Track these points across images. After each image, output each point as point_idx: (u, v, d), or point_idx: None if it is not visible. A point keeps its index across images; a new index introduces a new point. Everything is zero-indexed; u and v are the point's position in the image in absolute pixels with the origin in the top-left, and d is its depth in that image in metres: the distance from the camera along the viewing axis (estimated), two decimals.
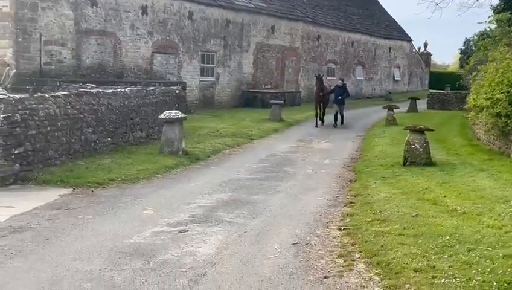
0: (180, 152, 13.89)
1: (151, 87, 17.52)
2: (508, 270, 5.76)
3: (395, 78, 53.51)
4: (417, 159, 13.19)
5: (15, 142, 10.32)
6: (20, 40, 21.17)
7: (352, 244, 7.16)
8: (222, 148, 16.30)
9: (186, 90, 27.87)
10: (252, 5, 33.55)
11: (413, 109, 31.78)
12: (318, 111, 24.11)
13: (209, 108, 29.40)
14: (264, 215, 8.79)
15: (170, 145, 13.86)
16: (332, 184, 11.71)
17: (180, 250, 6.82)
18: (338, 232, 7.83)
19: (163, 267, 6.18)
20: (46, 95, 11.64)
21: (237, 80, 32.83)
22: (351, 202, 9.77)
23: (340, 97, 24.00)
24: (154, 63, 26.99)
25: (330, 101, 25.05)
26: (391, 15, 56.80)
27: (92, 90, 13.57)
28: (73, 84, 17.73)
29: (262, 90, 33.71)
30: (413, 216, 8.21)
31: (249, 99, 32.66)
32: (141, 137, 15.66)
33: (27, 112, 10.69)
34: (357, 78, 47.24)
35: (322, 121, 24.43)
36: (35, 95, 11.28)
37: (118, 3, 24.83)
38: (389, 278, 5.81)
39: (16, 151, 10.33)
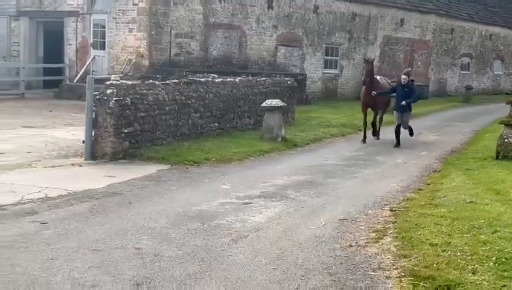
0: (280, 138, 14.90)
1: (263, 78, 18.65)
2: None
3: None
4: (510, 153, 13.18)
5: (125, 123, 11.90)
6: (153, 33, 23.22)
7: (393, 223, 7.78)
8: (324, 136, 17.08)
9: (309, 82, 28.95)
10: None
11: None
12: (366, 118, 16.62)
13: (332, 99, 30.09)
14: (328, 195, 9.59)
15: (270, 132, 14.92)
16: (414, 173, 12.13)
17: (235, 218, 7.86)
18: (388, 213, 8.45)
19: (214, 229, 7.25)
20: (156, 82, 13.17)
21: (361, 72, 33.11)
22: (419, 189, 10.25)
23: (403, 102, 15.31)
24: (278, 56, 28.20)
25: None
26: None
27: (201, 79, 14.97)
28: (198, 74, 19.30)
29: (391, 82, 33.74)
30: (466, 203, 8.61)
31: None
32: (249, 124, 16.86)
33: (137, 96, 12.24)
34: (495, 72, 45.48)
35: (374, 133, 16.92)
36: (146, 82, 12.81)
37: None
38: (403, 249, 6.45)
39: (125, 131, 11.90)
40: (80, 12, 24.70)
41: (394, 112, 15.95)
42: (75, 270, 5.70)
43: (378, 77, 17.32)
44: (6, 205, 8.02)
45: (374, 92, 15.83)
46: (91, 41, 24.56)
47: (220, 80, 15.96)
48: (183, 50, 24.18)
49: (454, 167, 12.55)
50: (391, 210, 8.57)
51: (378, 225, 7.76)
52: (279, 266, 6.02)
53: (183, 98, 13.81)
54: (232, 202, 8.75)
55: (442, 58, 39.56)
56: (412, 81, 15.87)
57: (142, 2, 23.18)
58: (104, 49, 24.23)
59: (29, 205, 8.11)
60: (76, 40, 24.90)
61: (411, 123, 16.42)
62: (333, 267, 6.03)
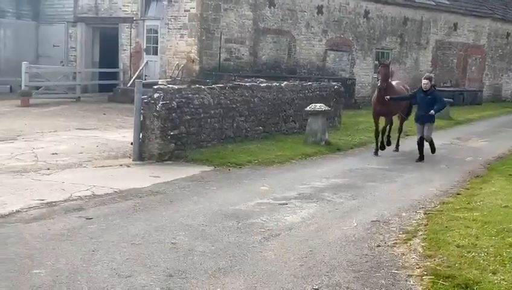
0: (323, 142, 15.11)
1: (309, 83, 18.88)
2: None
3: None
4: None
5: (171, 125, 12.36)
6: (203, 38, 23.77)
7: (425, 225, 7.92)
8: (369, 141, 17.14)
9: (358, 87, 29.00)
10: (433, 2, 33.42)
11: None
12: (378, 128, 14.77)
13: None
14: (364, 198, 9.77)
15: (313, 136, 15.15)
16: (455, 178, 12.14)
17: (269, 217, 8.15)
18: (422, 215, 8.58)
19: (247, 227, 7.57)
20: (202, 87, 13.60)
21: (413, 77, 32.83)
22: (458, 193, 10.30)
23: (432, 112, 13.31)
24: (327, 60, 28.37)
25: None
26: None
27: (246, 84, 15.34)
28: (246, 79, 19.72)
29: (439, 89, 33.38)
30: (502, 207, 8.66)
31: None
32: (294, 128, 17.11)
33: (183, 100, 12.69)
34: None
35: (385, 144, 15.19)
36: (192, 86, 13.26)
37: (295, 3, 26.59)
38: (430, 250, 6.62)
39: (171, 133, 12.37)
40: (134, 18, 25.50)
41: (415, 123, 14.13)
42: (114, 262, 6.10)
43: (394, 82, 15.54)
44: (56, 202, 8.55)
45: (388, 96, 14.10)
46: (144, 46, 25.32)
47: (265, 84, 16.30)
48: (233, 55, 24.65)
49: (497, 173, 12.51)
50: (425, 213, 8.69)
51: (409, 227, 7.91)
52: (306, 263, 6.29)
53: (229, 102, 14.20)
54: (269, 203, 9.04)
55: (497, 63, 38.88)
56: (434, 87, 14.00)
57: (194, 8, 23.76)
58: (156, 54, 24.94)
59: (77, 202, 8.61)
60: (130, 45, 25.70)
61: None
62: (358, 265, 6.26)
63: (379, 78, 14.65)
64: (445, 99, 14.85)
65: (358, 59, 29.87)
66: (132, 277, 5.71)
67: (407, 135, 17.42)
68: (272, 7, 25.71)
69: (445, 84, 34.57)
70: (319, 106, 15.32)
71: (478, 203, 9.07)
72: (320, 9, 27.62)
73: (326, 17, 27.96)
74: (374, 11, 30.17)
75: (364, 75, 30.07)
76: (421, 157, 14.03)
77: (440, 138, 19.13)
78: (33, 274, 5.67)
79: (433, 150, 14.44)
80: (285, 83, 17.41)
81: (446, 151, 16.35)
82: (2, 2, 27.30)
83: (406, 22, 31.97)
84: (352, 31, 29.35)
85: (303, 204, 9.06)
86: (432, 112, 13.30)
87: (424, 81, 13.78)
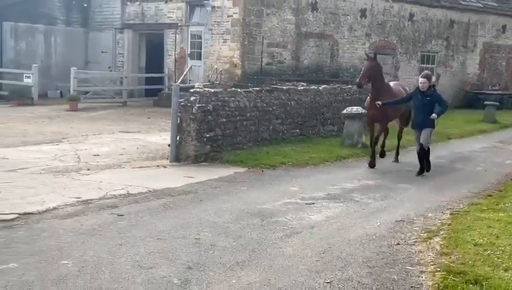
0: (360, 145, 15.18)
1: (349, 86, 18.94)
2: None
3: None
4: None
5: (207, 128, 12.68)
6: (246, 43, 24.09)
7: (448, 225, 7.97)
8: (408, 143, 17.04)
9: None
10: (481, 5, 32.88)
11: None
12: (373, 135, 12.97)
13: None
14: (393, 199, 9.84)
15: (350, 138, 15.25)
16: (490, 180, 12.05)
17: (294, 216, 8.34)
18: (448, 216, 8.61)
19: (271, 225, 7.78)
20: (239, 90, 13.90)
21: (460, 80, 32.54)
22: (489, 195, 10.27)
23: (434, 115, 11.59)
24: None
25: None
26: None
27: (283, 87, 15.56)
28: (288, 83, 19.92)
29: (487, 92, 32.85)
30: None
31: (472, 100, 32.07)
32: (332, 130, 17.22)
33: (219, 103, 13.00)
34: None
35: (381, 154, 13.54)
36: (228, 90, 13.56)
37: (338, 7, 26.65)
38: (447, 248, 6.69)
39: (207, 135, 12.69)
40: (179, 24, 26.04)
41: (413, 130, 12.25)
42: (138, 255, 6.41)
43: (392, 83, 13.82)
44: (92, 200, 8.94)
45: (379, 102, 12.22)
46: (188, 52, 25.82)
47: (302, 87, 16.47)
48: (275, 59, 24.88)
49: None
50: (451, 213, 8.72)
51: (433, 226, 7.97)
52: (323, 259, 6.46)
53: (265, 105, 14.44)
54: (296, 202, 9.23)
55: None
56: (434, 87, 11.97)
57: (236, 13, 24.11)
58: (200, 59, 25.40)
59: (111, 200, 8.99)
60: (175, 50, 26.25)
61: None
62: (373, 261, 6.40)
63: (361, 78, 12.52)
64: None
65: (402, 62, 29.66)
66: (153, 269, 5.99)
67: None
68: (315, 11, 25.83)
69: (493, 88, 34.00)
70: (356, 109, 15.40)
71: (507, 204, 9.05)
72: (363, 12, 27.59)
73: (369, 21, 27.90)
74: (419, 14, 29.93)
75: (409, 79, 29.79)
76: (421, 170, 12.05)
77: (482, 141, 19.00)
78: (61, 265, 6.03)
79: (428, 167, 12.14)
80: (324, 86, 17.54)
81: (486, 154, 16.20)
82: (53, 10, 28.33)
83: (452, 25, 31.57)
84: (397, 34, 29.18)
85: (330, 204, 9.21)
86: (434, 115, 11.51)
87: (420, 80, 11.78)
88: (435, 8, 30.63)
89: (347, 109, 15.51)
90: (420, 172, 12.10)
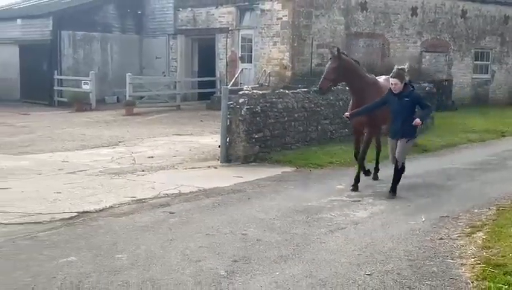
0: None
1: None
2: None
3: None
4: None
5: (255, 129, 12.99)
6: (295, 45, 24.36)
7: (493, 220, 8.02)
8: (460, 142, 16.99)
9: (457, 88, 28.48)
10: None
11: None
12: (358, 146, 10.92)
13: (483, 105, 29.27)
14: (439, 196, 9.90)
15: None
16: None
17: (339, 213, 8.55)
18: (494, 211, 8.64)
19: (315, 221, 8.01)
20: (286, 91, 14.17)
21: None
22: None
23: (401, 123, 9.47)
24: (423, 62, 28.08)
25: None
26: None
27: None
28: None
29: None
30: None
31: None
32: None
33: (267, 104, 13.30)
34: None
35: (366, 172, 10.95)
36: (276, 91, 13.84)
37: (388, 6, 26.60)
38: (489, 242, 6.77)
39: (256, 136, 13.00)
40: (230, 28, 26.53)
41: (389, 138, 9.99)
42: (187, 249, 6.76)
43: (383, 78, 11.12)
44: (146, 199, 9.38)
45: (347, 113, 10.39)
46: (239, 55, 26.26)
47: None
48: (325, 60, 24.83)
49: None
50: (497, 209, 8.74)
51: (478, 221, 8.03)
52: (364, 253, 6.65)
53: (313, 105, 14.65)
54: (342, 200, 9.43)
55: None
56: (411, 86, 9.54)
57: (286, 16, 24.42)
58: (251, 62, 25.81)
59: (164, 199, 9.41)
60: (226, 54, 26.75)
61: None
62: (414, 255, 6.55)
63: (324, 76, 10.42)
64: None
65: (456, 60, 29.32)
66: (201, 262, 6.32)
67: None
68: (364, 11, 25.87)
69: None
70: None
71: None
72: (414, 11, 27.43)
73: (420, 19, 27.71)
74: (472, 11, 29.52)
75: (463, 76, 29.46)
76: (391, 194, 9.64)
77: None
78: (115, 258, 6.43)
79: (394, 188, 9.66)
80: None
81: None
82: (108, 18, 29.27)
83: (506, 21, 30.98)
84: (449, 31, 28.87)
85: (375, 201, 9.36)
86: (418, 121, 9.29)
87: (392, 81, 9.43)
88: (488, 4, 30.15)
89: None
90: (392, 190, 9.70)
